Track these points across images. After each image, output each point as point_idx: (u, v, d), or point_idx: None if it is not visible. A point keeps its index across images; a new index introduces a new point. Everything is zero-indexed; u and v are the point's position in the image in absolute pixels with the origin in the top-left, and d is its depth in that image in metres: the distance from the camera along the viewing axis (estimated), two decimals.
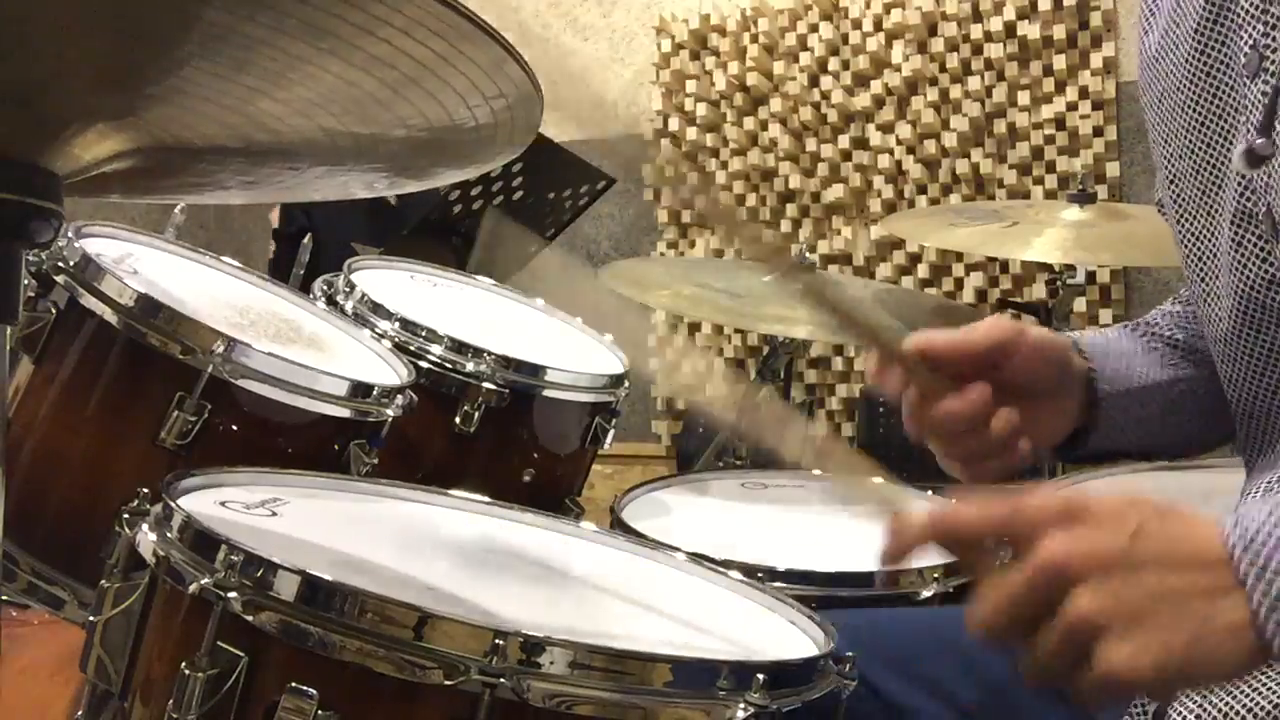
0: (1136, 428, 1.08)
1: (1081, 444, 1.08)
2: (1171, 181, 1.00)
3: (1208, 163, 0.95)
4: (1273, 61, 0.87)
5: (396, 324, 1.54)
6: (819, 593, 1.27)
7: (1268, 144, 0.86)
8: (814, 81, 4.12)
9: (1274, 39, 0.87)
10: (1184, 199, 0.99)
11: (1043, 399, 1.02)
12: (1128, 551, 0.66)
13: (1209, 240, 0.97)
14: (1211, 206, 0.95)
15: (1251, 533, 0.67)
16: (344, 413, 1.29)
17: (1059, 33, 3.73)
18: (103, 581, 0.89)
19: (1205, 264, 0.98)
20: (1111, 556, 0.66)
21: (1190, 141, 0.96)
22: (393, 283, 1.74)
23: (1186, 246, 1.00)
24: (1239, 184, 0.90)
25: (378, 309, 1.55)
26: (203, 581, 0.79)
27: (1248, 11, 0.89)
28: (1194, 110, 0.95)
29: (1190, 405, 1.10)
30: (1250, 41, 0.89)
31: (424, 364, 1.49)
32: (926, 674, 0.98)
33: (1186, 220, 0.99)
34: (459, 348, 1.52)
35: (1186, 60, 0.95)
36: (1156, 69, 1.01)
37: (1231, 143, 0.92)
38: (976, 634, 0.70)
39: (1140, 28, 1.06)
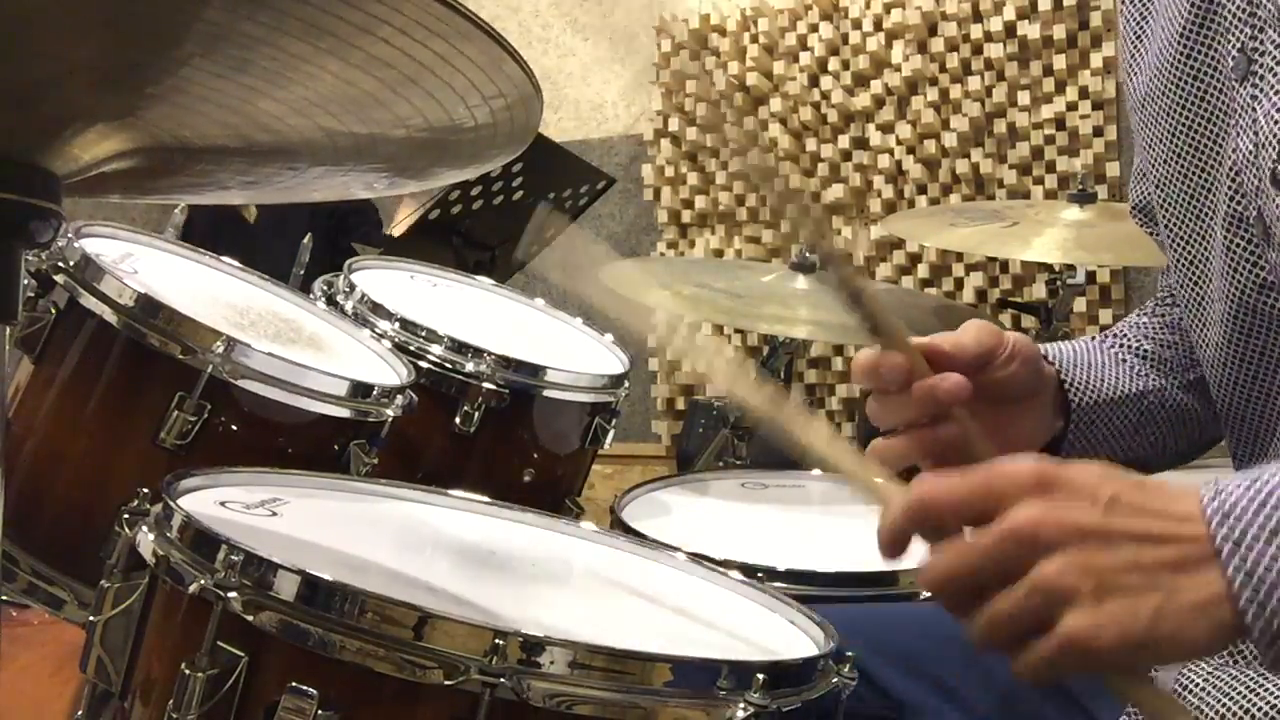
0: (1110, 440, 1.07)
1: (1056, 455, 1.07)
2: (1160, 185, 1.00)
3: (1196, 167, 0.94)
4: (1260, 65, 0.87)
5: (396, 324, 1.54)
6: (819, 593, 1.26)
7: None
8: (814, 81, 4.12)
9: (1262, 42, 0.87)
10: (1173, 203, 0.98)
11: (1022, 403, 1.01)
12: (1101, 522, 0.65)
13: (1199, 244, 0.97)
14: (1201, 211, 0.95)
15: (1229, 504, 0.65)
16: (344, 413, 1.29)
17: (1059, 33, 3.73)
18: (103, 581, 0.89)
19: (1195, 268, 0.97)
20: (1084, 526, 0.65)
21: (1178, 146, 0.96)
22: (393, 283, 1.74)
23: (1175, 251, 0.99)
24: (1230, 188, 0.90)
25: (378, 309, 1.55)
26: (203, 581, 0.79)
27: (1234, 15, 0.89)
28: (1181, 114, 0.95)
29: (1161, 416, 1.09)
30: (1238, 45, 0.88)
31: (424, 364, 1.49)
32: (929, 669, 0.98)
33: (1175, 224, 0.99)
34: (459, 348, 1.52)
35: (1172, 64, 0.95)
36: (1141, 73, 1.01)
37: (1220, 146, 0.92)
38: (929, 590, 0.68)
39: (1122, 31, 1.06)
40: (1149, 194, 1.10)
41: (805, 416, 0.82)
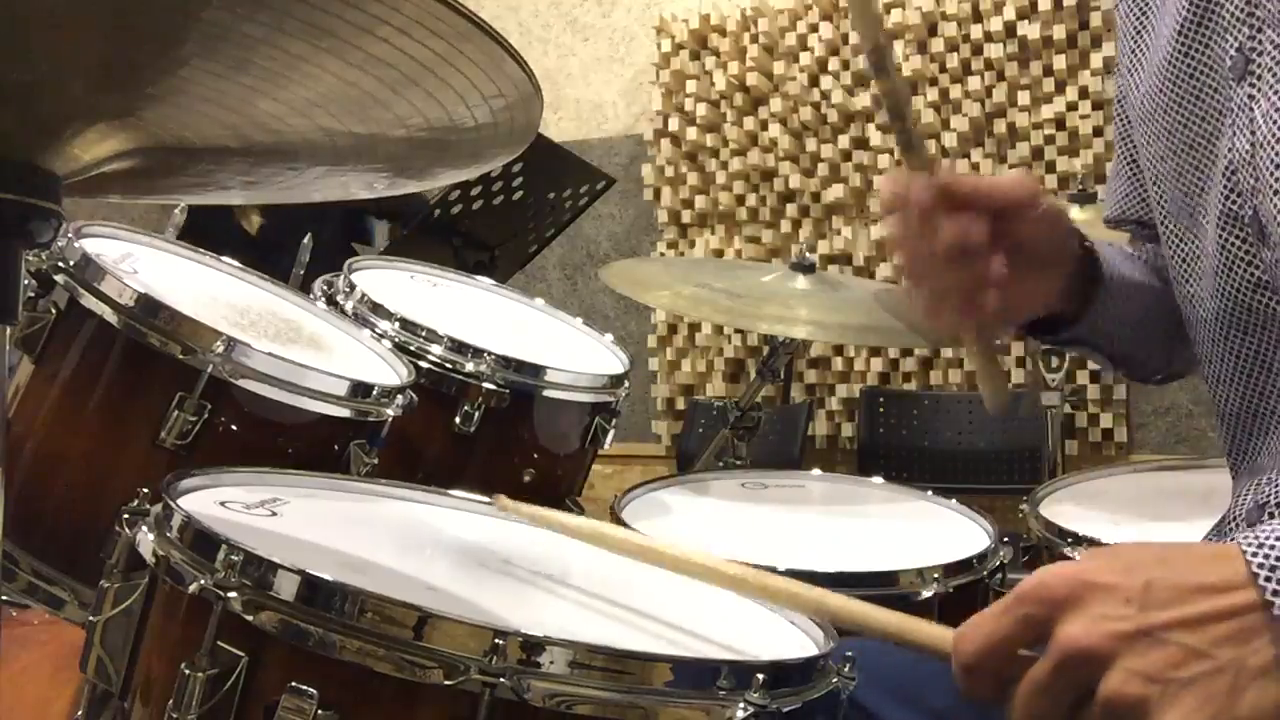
0: (1116, 326, 1.08)
1: (1061, 329, 1.08)
2: (1155, 183, 1.00)
3: (1192, 165, 0.94)
4: (1258, 65, 0.87)
5: (396, 324, 1.54)
6: None
7: None
8: (814, 81, 4.12)
9: (1260, 42, 0.87)
10: (1167, 201, 0.99)
11: (1034, 268, 1.00)
12: (1144, 621, 0.64)
13: (1193, 243, 0.97)
14: (1196, 209, 0.95)
15: (1276, 555, 0.64)
16: (344, 413, 1.29)
17: (1059, 33, 3.73)
18: (103, 581, 0.89)
19: (1190, 266, 0.97)
20: (1128, 630, 0.64)
21: (1175, 143, 0.96)
22: (393, 283, 1.74)
23: (1171, 248, 1.00)
24: (1225, 187, 0.90)
25: (378, 309, 1.55)
26: (203, 581, 0.79)
27: (1233, 15, 0.89)
28: (1177, 112, 0.95)
29: (1161, 317, 1.09)
30: (1236, 45, 0.88)
31: (424, 364, 1.49)
32: (924, 700, 0.98)
33: (1170, 222, 0.99)
34: (459, 348, 1.52)
35: (1169, 62, 0.95)
36: (1140, 70, 1.01)
37: (1216, 145, 0.92)
38: None
39: (1121, 30, 1.06)
40: (1124, 201, 1.11)
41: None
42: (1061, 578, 0.67)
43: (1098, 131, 3.70)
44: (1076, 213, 2.33)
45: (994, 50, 3.83)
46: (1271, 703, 0.63)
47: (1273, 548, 0.65)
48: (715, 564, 0.92)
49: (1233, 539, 0.67)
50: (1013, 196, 0.96)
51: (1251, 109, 0.87)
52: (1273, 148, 0.85)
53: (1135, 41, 1.03)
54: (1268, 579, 0.64)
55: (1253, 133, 0.87)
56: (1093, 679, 0.64)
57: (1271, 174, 0.85)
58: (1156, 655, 0.63)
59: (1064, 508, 1.53)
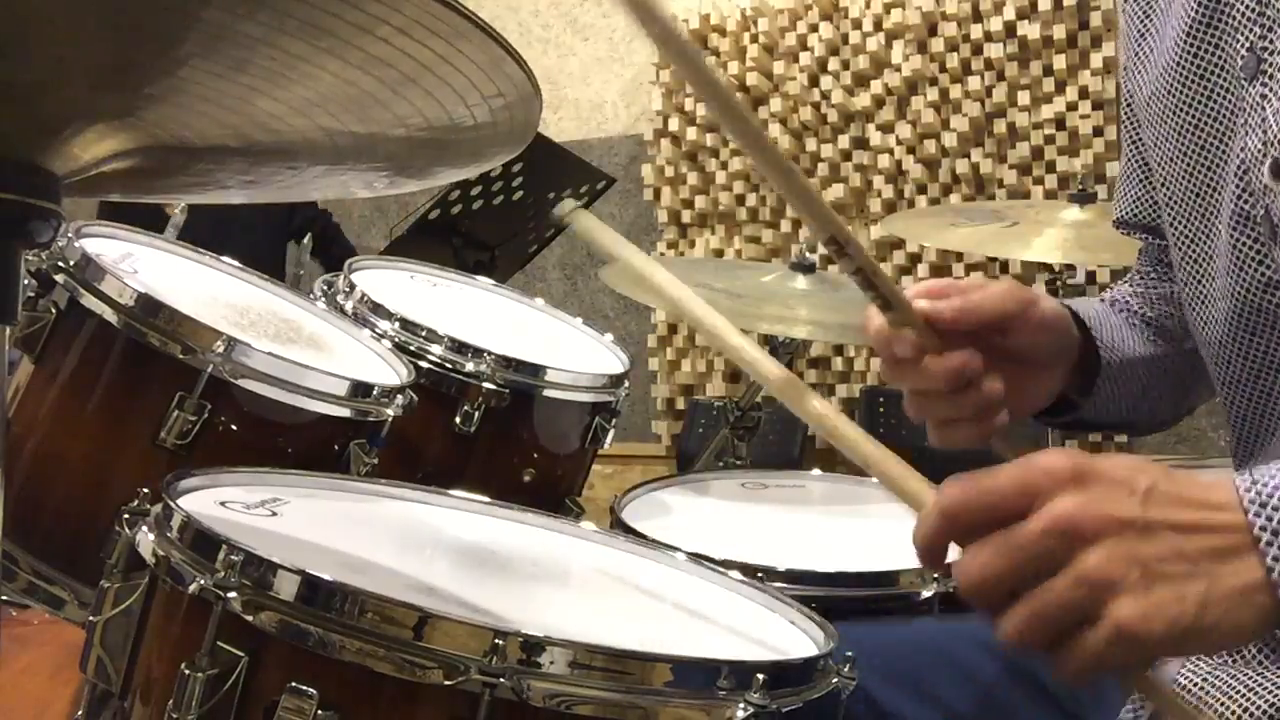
0: (1120, 401, 1.09)
1: (1069, 412, 1.08)
2: (1165, 184, 1.00)
3: (1203, 165, 0.94)
4: (1270, 64, 0.86)
5: (396, 324, 1.54)
6: (819, 593, 1.26)
7: None
8: (814, 81, 4.12)
9: (1271, 41, 0.87)
10: (1178, 201, 0.98)
11: (1034, 368, 1.01)
12: (1141, 512, 0.65)
13: (1204, 243, 0.97)
14: (1207, 209, 0.95)
15: (1267, 493, 0.66)
16: (344, 413, 1.29)
17: (1059, 33, 3.73)
18: (103, 581, 0.89)
19: (1200, 266, 0.97)
20: (1125, 517, 0.65)
21: (1184, 144, 0.96)
22: (393, 283, 1.74)
23: (1180, 249, 0.99)
24: (1237, 187, 0.90)
25: (378, 309, 1.55)
26: (203, 581, 0.79)
27: (1243, 14, 0.89)
28: (1188, 112, 0.95)
29: (1164, 380, 1.11)
30: (1247, 44, 0.88)
31: (424, 364, 1.49)
32: (927, 688, 0.98)
33: (1180, 222, 0.99)
34: (459, 348, 1.52)
35: (1179, 62, 0.95)
36: (1147, 71, 1.01)
37: (1228, 145, 0.92)
38: (965, 588, 0.67)
39: (1125, 30, 1.06)
40: (1135, 205, 1.11)
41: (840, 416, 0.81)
42: (1069, 458, 0.67)
43: (1098, 131, 3.70)
44: (1077, 213, 2.33)
45: (994, 50, 3.83)
46: (1235, 624, 0.65)
47: (1265, 486, 0.66)
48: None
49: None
50: (1002, 312, 0.96)
51: (1263, 108, 0.87)
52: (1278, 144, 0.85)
53: (1140, 43, 1.02)
54: (1257, 514, 0.66)
55: (1265, 132, 0.86)
56: (1070, 554, 0.65)
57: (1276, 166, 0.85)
58: (1144, 545, 0.64)
59: None
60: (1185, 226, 0.98)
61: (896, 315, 0.93)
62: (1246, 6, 0.88)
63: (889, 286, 0.91)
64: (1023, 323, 0.97)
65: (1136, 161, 1.10)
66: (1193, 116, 0.94)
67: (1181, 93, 0.95)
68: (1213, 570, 0.65)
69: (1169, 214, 1.00)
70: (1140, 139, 1.07)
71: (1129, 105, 1.09)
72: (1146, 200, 1.10)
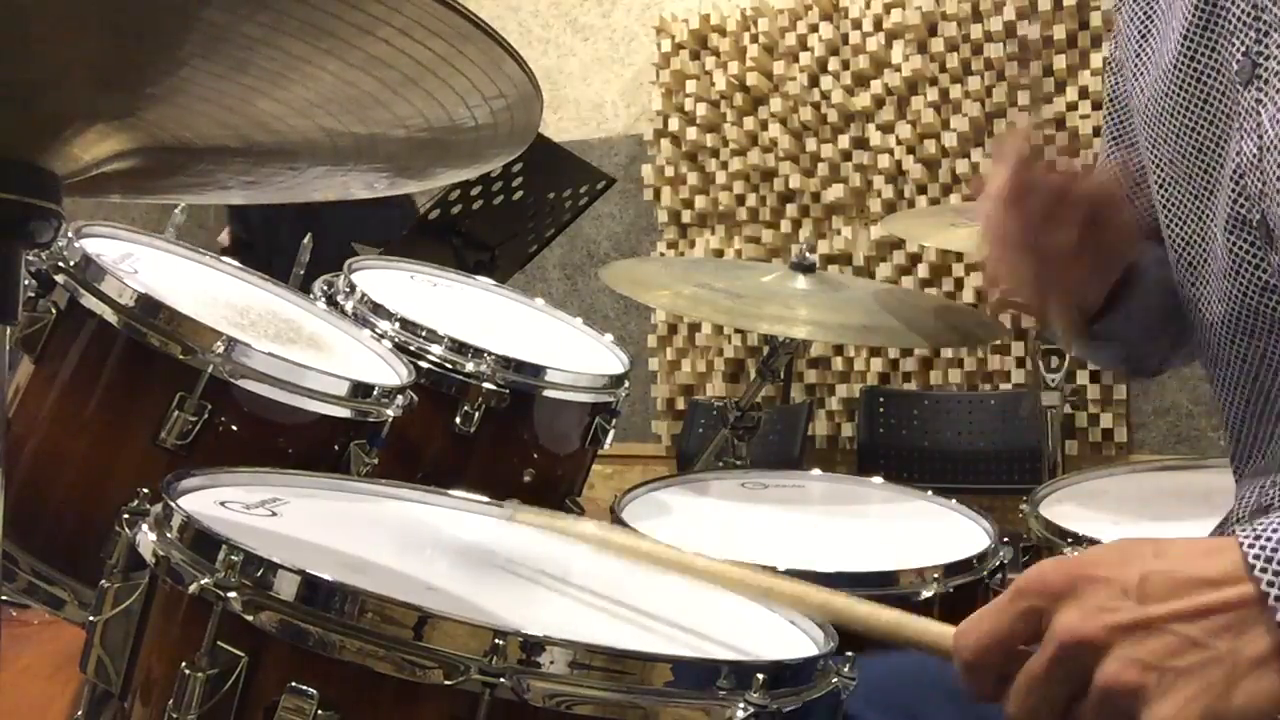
0: (1132, 318, 1.10)
1: (1099, 318, 1.11)
2: (1162, 187, 1.00)
3: (1199, 168, 0.94)
4: (1265, 69, 0.86)
5: (396, 324, 1.54)
6: None
7: None
8: (814, 81, 4.13)
9: (1266, 46, 0.87)
10: (1175, 205, 0.99)
11: (1101, 265, 1.05)
12: (1140, 610, 0.65)
13: (1200, 246, 0.97)
14: (1203, 212, 0.95)
15: (1272, 547, 0.65)
16: (344, 413, 1.29)
17: (1059, 33, 3.73)
18: (103, 581, 0.89)
19: (1196, 269, 0.97)
20: (1125, 620, 0.64)
21: (1180, 147, 0.96)
22: (393, 283, 1.74)
23: (1176, 252, 1.00)
24: (1233, 191, 0.90)
25: (378, 309, 1.55)
26: (203, 581, 0.79)
27: (1239, 19, 0.89)
28: (1184, 116, 0.95)
29: (1160, 307, 1.11)
30: (1242, 49, 0.88)
31: (424, 364, 1.49)
32: (918, 716, 0.98)
33: (1177, 226, 0.99)
34: (459, 348, 1.52)
35: (1175, 67, 0.95)
36: (1147, 73, 1.01)
37: (1223, 149, 0.92)
38: None
39: (1124, 32, 1.06)
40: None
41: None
42: (1059, 570, 0.67)
43: (1098, 131, 3.70)
44: None
45: (994, 50, 3.83)
46: (1266, 694, 0.63)
47: (1269, 540, 0.65)
48: (719, 568, 0.92)
49: (1231, 532, 0.68)
50: (1105, 197, 1.01)
51: (1259, 113, 0.87)
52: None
53: (1141, 45, 1.02)
54: (1264, 570, 0.64)
55: (1260, 137, 0.86)
56: (1089, 670, 0.65)
57: (1279, 178, 0.85)
58: (1154, 644, 0.64)
59: (1064, 508, 1.53)
60: (1182, 229, 0.98)
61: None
62: (1242, 11, 0.88)
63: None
64: (1114, 214, 1.01)
65: (1116, 160, 1.11)
66: (1189, 121, 0.94)
67: (1179, 96, 0.95)
68: (1230, 647, 0.64)
69: (1165, 217, 1.00)
70: (1122, 138, 1.07)
71: (1113, 104, 1.09)
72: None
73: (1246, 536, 0.66)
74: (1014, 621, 0.68)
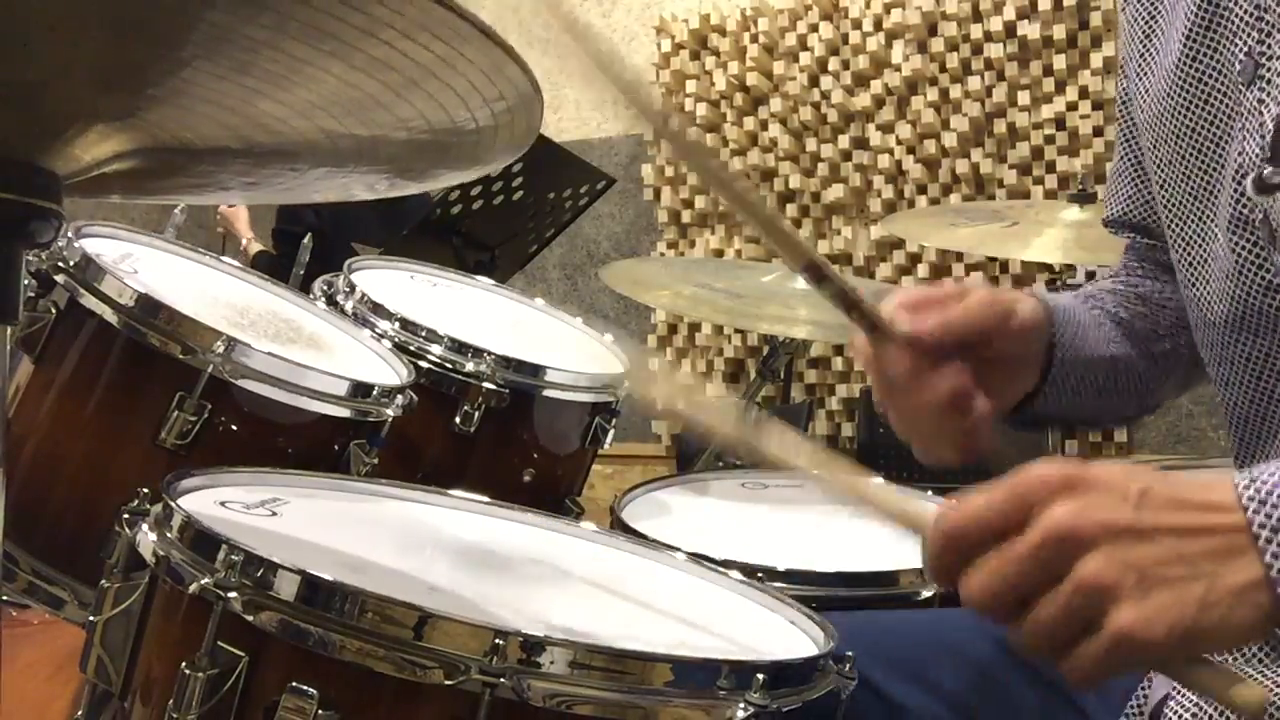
0: (1072, 396, 1.09)
1: (1027, 406, 1.09)
2: (1163, 187, 1.00)
3: (1200, 168, 0.94)
4: (1268, 69, 0.87)
5: (396, 324, 1.54)
6: (819, 593, 1.27)
7: (1276, 171, 0.86)
8: (814, 81, 4.13)
9: (1269, 46, 0.87)
10: (1176, 205, 0.99)
11: (1012, 369, 1.02)
12: (1136, 517, 0.65)
13: (1201, 245, 0.97)
14: (1204, 212, 0.95)
15: (1266, 490, 0.66)
16: (344, 413, 1.30)
17: (1059, 33, 3.73)
18: (103, 581, 0.89)
19: (1198, 269, 0.98)
20: (1120, 522, 0.65)
21: (1181, 147, 0.96)
22: (393, 283, 1.74)
23: (1179, 252, 1.00)
24: (1234, 191, 0.90)
25: (378, 309, 1.55)
26: (203, 581, 0.79)
27: (1242, 19, 0.89)
28: (1187, 116, 0.95)
29: (1123, 382, 1.11)
30: (1245, 49, 0.88)
31: (424, 364, 1.49)
32: (927, 675, 0.98)
33: (1178, 226, 0.99)
34: (459, 348, 1.52)
35: (1176, 66, 0.95)
36: (1152, 73, 1.01)
37: (1225, 149, 0.92)
38: (972, 606, 0.68)
39: (1128, 32, 1.06)
40: (1127, 204, 1.11)
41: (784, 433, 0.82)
42: (1060, 469, 0.68)
43: (1098, 131, 3.70)
44: (1077, 213, 2.33)
45: (994, 50, 3.83)
46: (1235, 623, 0.65)
47: (1264, 484, 0.66)
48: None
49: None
50: (981, 328, 0.98)
51: (1261, 113, 0.87)
52: (1260, 155, 0.85)
53: (1145, 45, 1.02)
54: (1256, 511, 0.66)
55: (1262, 137, 0.87)
56: (1068, 563, 0.65)
57: (1260, 179, 0.85)
58: (1142, 550, 0.65)
59: None
60: (1184, 229, 0.98)
61: (879, 335, 0.94)
62: (1245, 12, 0.88)
63: (869, 308, 0.92)
64: (1002, 333, 0.99)
65: (1130, 160, 1.11)
66: (1192, 120, 0.94)
67: (1181, 96, 0.95)
68: (1212, 571, 0.65)
69: (1168, 217, 1.00)
70: (1137, 140, 1.07)
71: (1125, 106, 1.09)
72: (1138, 199, 1.11)
73: (1242, 479, 0.67)
74: (1004, 505, 0.67)
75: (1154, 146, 1.00)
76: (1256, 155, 0.87)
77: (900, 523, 0.75)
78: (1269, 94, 0.86)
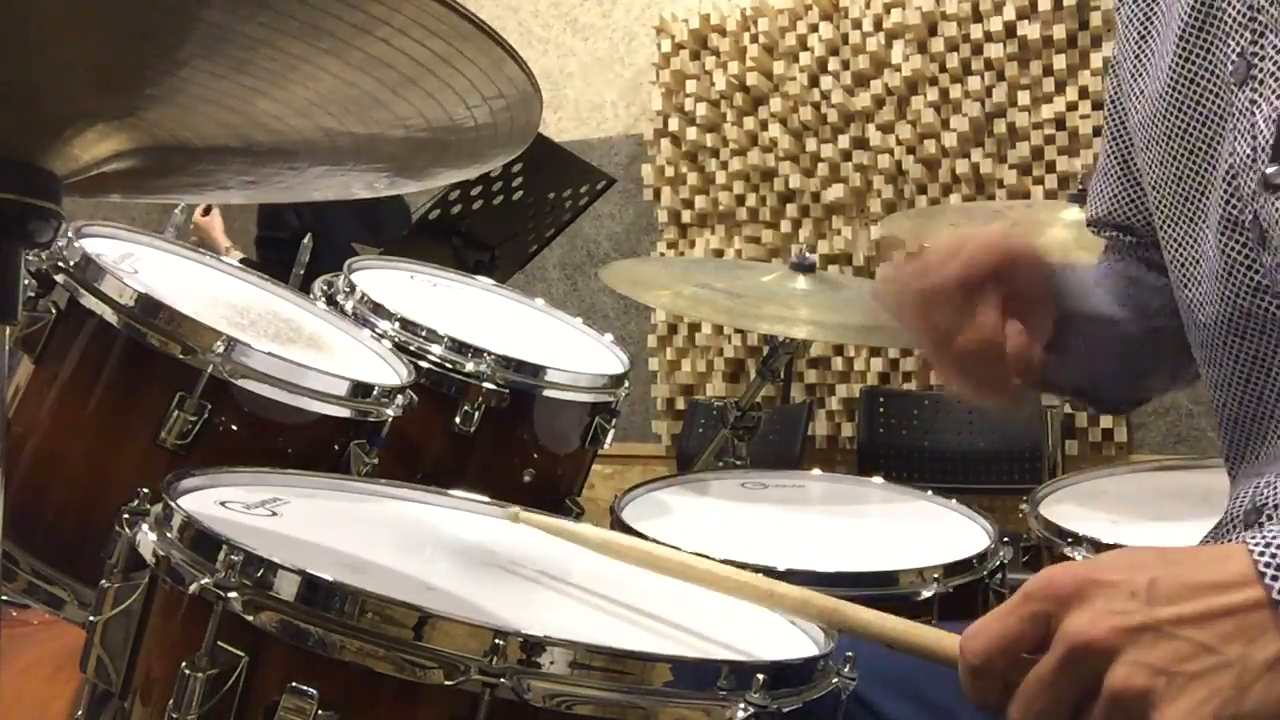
0: (1080, 357, 1.09)
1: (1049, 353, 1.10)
2: (1155, 187, 1.00)
3: (1191, 169, 0.94)
4: (1260, 70, 0.87)
5: (396, 324, 1.54)
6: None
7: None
8: (814, 81, 4.12)
9: (1262, 47, 0.87)
10: (1167, 205, 0.99)
11: (1032, 301, 1.03)
12: (1150, 613, 0.64)
13: (1192, 246, 0.97)
14: (1195, 213, 0.95)
15: None
16: (344, 413, 1.29)
17: (1059, 33, 3.73)
18: (103, 581, 0.89)
19: (1190, 270, 0.97)
20: (1134, 622, 0.64)
21: (1174, 148, 0.96)
22: (393, 283, 1.74)
23: (1170, 252, 1.00)
24: (1225, 192, 0.90)
25: (378, 309, 1.55)
26: (203, 581, 0.79)
27: (1234, 19, 0.89)
28: (1177, 117, 0.95)
29: (1119, 349, 1.11)
30: (1238, 49, 0.88)
31: (424, 364, 1.49)
32: (923, 693, 0.98)
33: (1170, 226, 0.99)
34: (459, 348, 1.52)
35: (1170, 67, 0.95)
36: (1147, 74, 1.01)
37: (1216, 150, 0.92)
38: None
39: (1123, 32, 1.06)
40: (1112, 203, 1.11)
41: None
42: (1068, 574, 0.67)
43: (1098, 131, 3.70)
44: (1076, 212, 2.33)
45: (994, 50, 3.83)
46: (1276, 699, 0.63)
47: (1279, 547, 0.65)
48: (721, 572, 0.92)
49: (1236, 539, 0.68)
50: (996, 263, 1.00)
51: (1253, 114, 0.87)
52: (1268, 153, 0.85)
53: (1140, 46, 1.02)
54: (1274, 578, 0.64)
55: (1254, 138, 0.86)
56: (1097, 674, 0.64)
57: (1265, 179, 0.85)
58: (1163, 648, 0.64)
59: (1064, 508, 1.53)
60: (1175, 230, 0.98)
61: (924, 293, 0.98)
62: (1237, 12, 0.88)
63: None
64: (1015, 265, 1.01)
65: (1117, 160, 1.11)
66: (1183, 121, 0.94)
67: (1173, 97, 0.95)
68: (1241, 654, 0.64)
69: (1159, 217, 1.00)
70: (1125, 140, 1.07)
71: (1114, 105, 1.09)
72: (1124, 198, 1.10)
73: (1256, 544, 0.66)
74: (1021, 625, 0.68)
75: (1146, 147, 1.00)
76: (1247, 156, 0.87)
77: (927, 656, 0.76)
78: (1261, 94, 0.86)
